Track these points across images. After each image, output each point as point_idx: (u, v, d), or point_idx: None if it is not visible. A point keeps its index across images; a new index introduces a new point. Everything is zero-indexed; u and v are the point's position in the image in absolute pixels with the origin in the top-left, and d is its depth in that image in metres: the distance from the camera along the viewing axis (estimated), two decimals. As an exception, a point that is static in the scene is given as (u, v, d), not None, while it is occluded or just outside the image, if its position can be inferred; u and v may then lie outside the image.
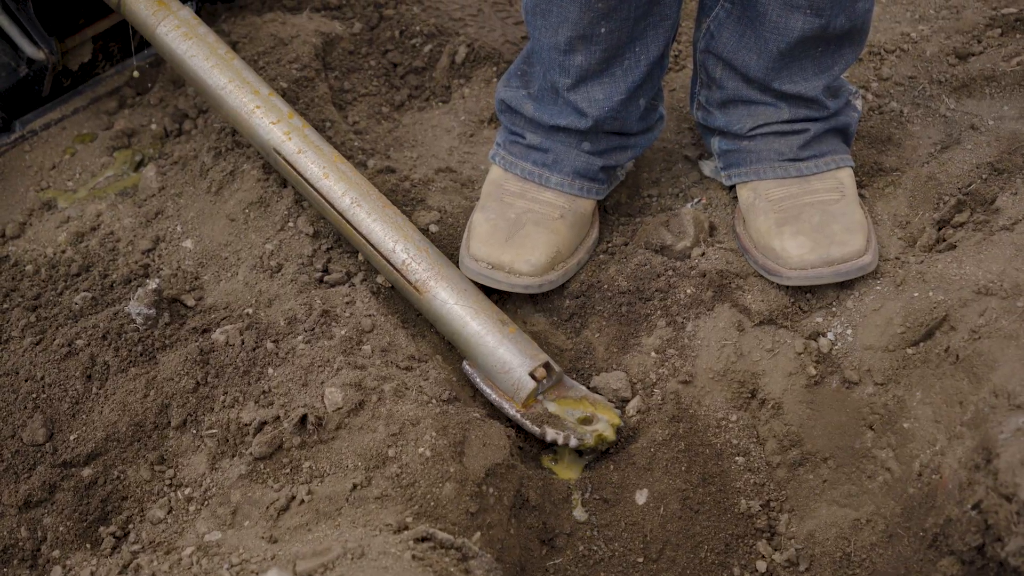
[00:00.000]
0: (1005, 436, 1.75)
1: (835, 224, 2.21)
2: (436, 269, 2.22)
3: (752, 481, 2.20)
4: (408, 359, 2.15)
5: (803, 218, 2.24)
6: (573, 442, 2.14)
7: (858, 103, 2.41)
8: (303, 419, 1.98)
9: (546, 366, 2.17)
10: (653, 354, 2.28)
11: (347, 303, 2.19)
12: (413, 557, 1.71)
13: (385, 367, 2.10)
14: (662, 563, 2.11)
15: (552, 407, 2.19)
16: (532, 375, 2.15)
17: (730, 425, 2.23)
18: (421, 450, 1.97)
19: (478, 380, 2.22)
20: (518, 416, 2.18)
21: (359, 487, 1.92)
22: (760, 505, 2.19)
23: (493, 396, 2.20)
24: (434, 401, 2.07)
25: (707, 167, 2.52)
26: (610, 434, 2.17)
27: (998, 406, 1.84)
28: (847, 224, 2.21)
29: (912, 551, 1.99)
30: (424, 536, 1.80)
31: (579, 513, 2.17)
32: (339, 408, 1.99)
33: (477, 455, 2.04)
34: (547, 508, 2.15)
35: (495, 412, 2.23)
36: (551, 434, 2.15)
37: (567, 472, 2.22)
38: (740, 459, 2.21)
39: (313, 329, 2.12)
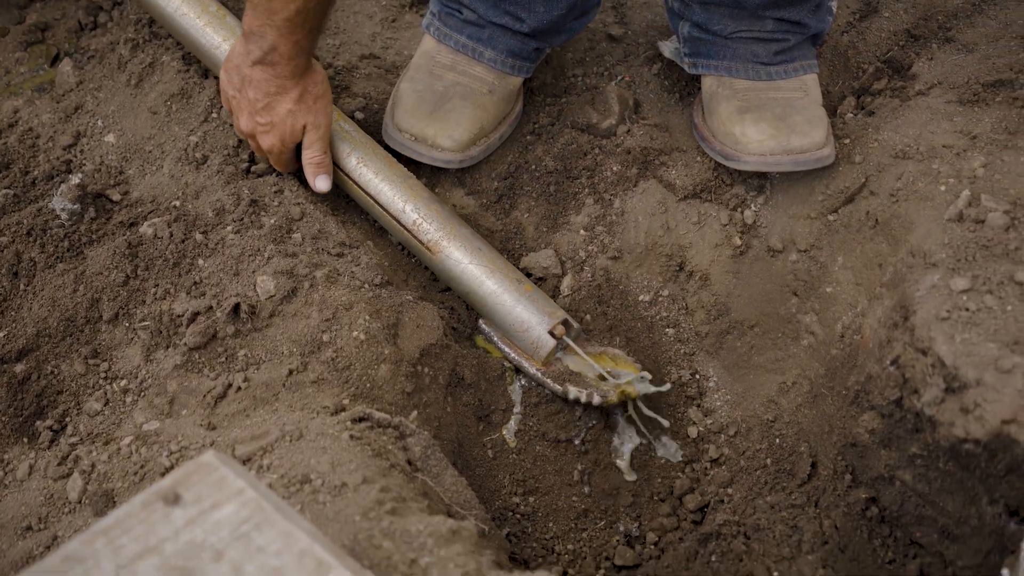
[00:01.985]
0: (921, 294, 1.79)
1: (797, 115, 2.21)
2: (448, 228, 2.18)
3: (682, 351, 2.24)
4: (339, 245, 2.14)
5: (765, 107, 2.23)
6: (596, 400, 2.10)
7: (833, 5, 2.39)
8: (236, 308, 1.97)
9: (564, 323, 2.14)
10: (582, 232, 2.30)
11: (275, 192, 2.17)
12: (351, 437, 1.72)
13: (316, 254, 2.09)
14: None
15: (572, 364, 2.17)
16: (551, 333, 2.12)
17: (660, 298, 2.26)
18: (355, 334, 1.97)
19: (496, 339, 2.19)
20: (539, 375, 2.15)
21: (295, 372, 1.93)
22: (690, 374, 2.23)
23: (512, 355, 2.17)
24: (367, 286, 2.07)
25: (667, 48, 2.47)
26: (633, 390, 2.14)
27: (915, 266, 1.88)
28: (808, 117, 2.21)
29: (836, 409, 2.04)
30: (361, 417, 1.81)
31: (514, 390, 2.20)
32: (272, 296, 1.99)
33: (411, 336, 2.05)
34: (482, 386, 2.17)
35: (427, 294, 2.24)
36: (573, 392, 2.11)
37: (500, 351, 2.24)
38: (670, 331, 2.25)
39: (242, 219, 2.11)
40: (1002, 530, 1.70)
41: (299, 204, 2.16)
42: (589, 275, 2.25)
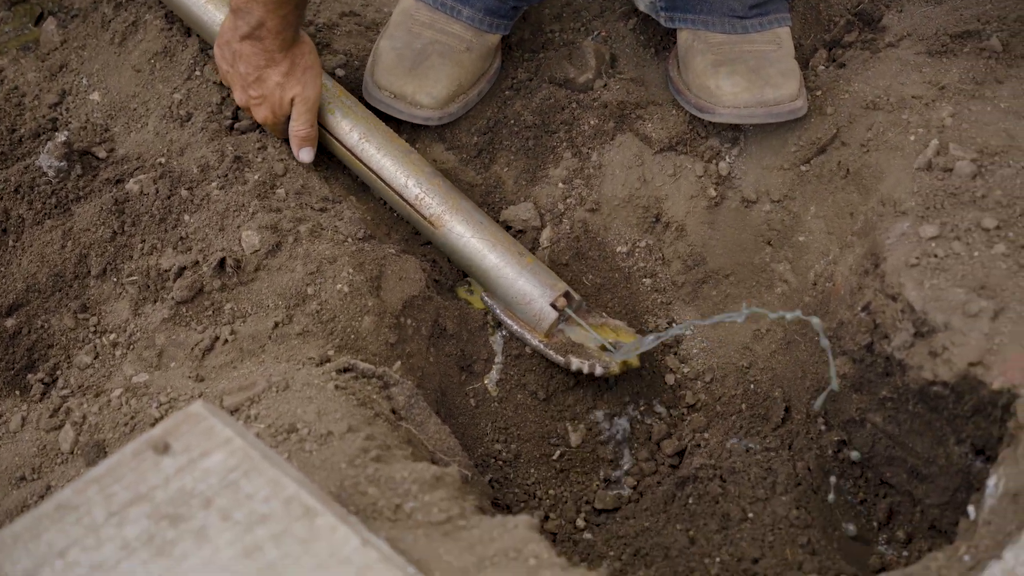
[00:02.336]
0: (891, 241, 1.81)
1: (770, 68, 2.21)
2: (450, 203, 2.17)
3: (659, 300, 2.26)
4: (322, 200, 2.15)
5: (739, 60, 2.23)
6: (599, 371, 2.09)
7: None
8: (222, 262, 1.98)
9: (566, 295, 2.14)
10: (560, 185, 2.31)
11: (259, 148, 2.17)
12: (336, 387, 1.74)
13: (300, 209, 2.10)
14: (576, 382, 2.19)
15: (574, 335, 2.16)
16: (553, 305, 2.12)
17: (637, 249, 2.27)
18: (339, 286, 1.98)
19: (499, 311, 2.18)
20: (541, 346, 2.13)
21: (281, 325, 1.94)
22: (667, 323, 2.25)
23: (515, 327, 2.16)
24: (350, 239, 2.08)
25: (642, 3, 2.47)
26: (635, 360, 2.14)
27: (885, 214, 1.90)
28: (782, 69, 2.21)
29: (808, 355, 2.07)
30: (346, 367, 1.83)
31: (495, 341, 2.22)
32: (256, 250, 2.00)
33: (394, 289, 2.06)
34: (464, 336, 2.19)
35: (409, 247, 2.25)
36: (576, 363, 2.10)
37: (482, 302, 2.25)
38: (647, 280, 2.26)
39: (226, 175, 2.11)
40: (968, 469, 1.73)
41: (282, 160, 2.16)
42: (568, 227, 2.26)
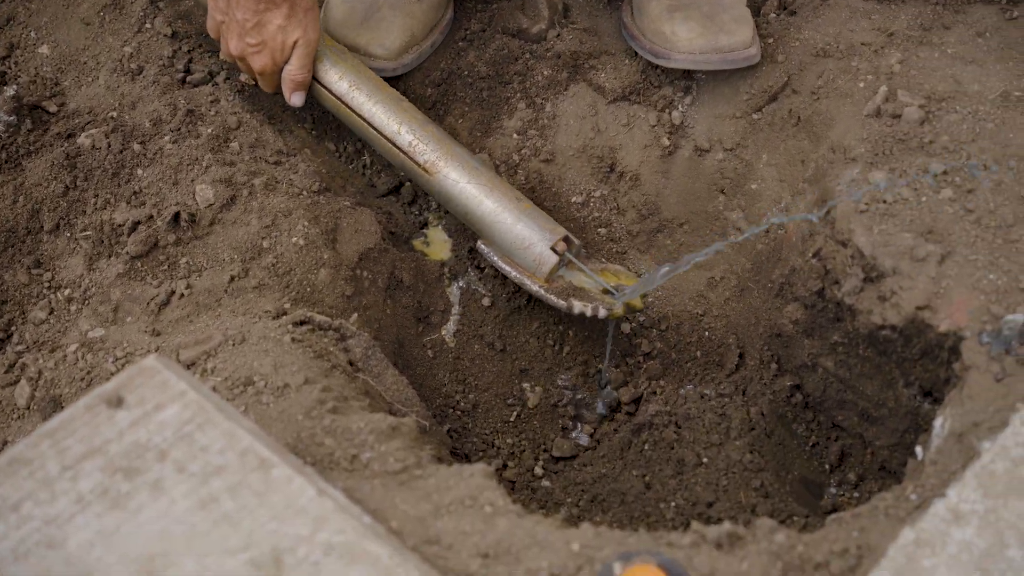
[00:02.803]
0: (841, 187, 1.81)
1: (724, 15, 2.18)
2: (444, 148, 2.12)
3: (615, 250, 2.26)
4: (276, 154, 2.12)
5: (694, 6, 2.20)
6: (602, 312, 2.04)
7: None
8: (176, 217, 1.95)
9: (566, 239, 2.09)
10: (515, 136, 2.29)
11: (211, 102, 2.14)
12: (293, 340, 1.73)
13: (254, 162, 2.07)
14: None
15: (574, 280, 2.12)
16: (553, 249, 2.07)
17: (592, 199, 2.26)
18: (295, 239, 1.97)
19: (495, 258, 2.12)
20: (541, 291, 2.08)
21: (237, 278, 1.92)
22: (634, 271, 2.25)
23: (513, 273, 2.10)
24: (305, 192, 2.06)
25: None
26: (638, 302, 2.11)
27: (835, 161, 1.90)
28: (736, 16, 2.19)
29: (762, 301, 2.07)
30: (302, 320, 1.82)
31: (452, 292, 2.21)
32: (211, 204, 1.97)
33: (349, 241, 2.05)
34: (421, 288, 2.18)
35: (365, 200, 2.23)
36: (578, 306, 2.05)
37: (438, 253, 2.24)
38: (602, 230, 2.26)
39: (179, 129, 2.08)
40: (917, 410, 1.74)
41: (236, 113, 2.13)
42: (523, 178, 2.25)
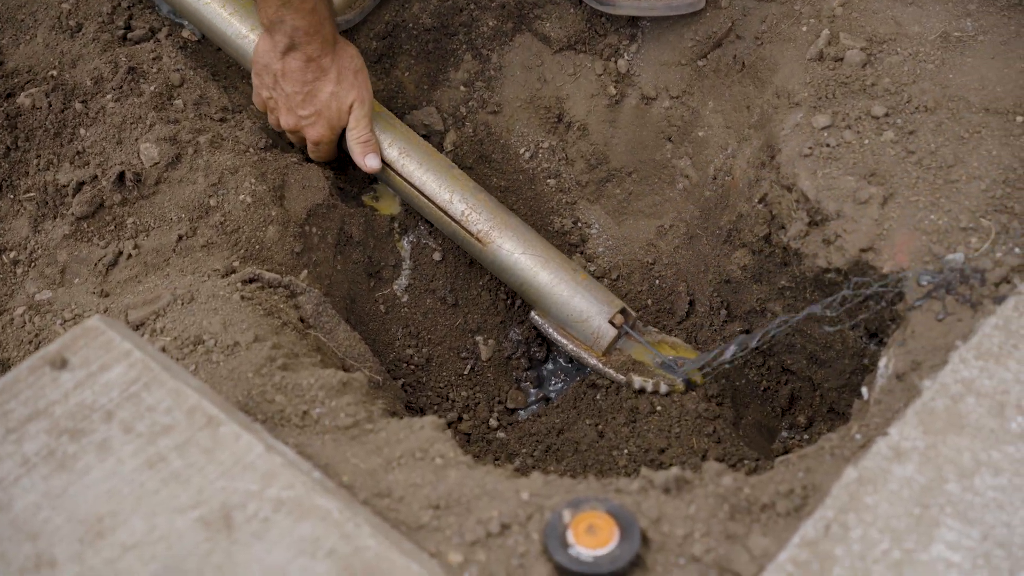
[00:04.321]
0: (785, 132, 1.82)
1: None
2: (497, 218, 2.04)
3: (564, 200, 2.26)
4: (222, 111, 2.10)
5: None
6: (664, 388, 1.97)
7: None
8: (121, 176, 1.93)
9: (623, 312, 2.02)
10: (462, 88, 2.28)
11: (154, 59, 2.11)
12: (242, 298, 1.72)
13: (199, 120, 2.05)
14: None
15: (633, 352, 2.04)
16: (611, 323, 2.00)
17: (540, 150, 2.26)
18: (242, 197, 1.95)
19: (551, 330, 2.05)
20: (600, 366, 2.01)
21: (185, 238, 1.90)
22: (572, 222, 2.25)
23: (570, 347, 2.03)
24: (251, 150, 2.04)
25: None
26: (698, 376, 2.01)
27: (779, 106, 1.90)
28: None
29: (710, 248, 2.08)
30: (251, 278, 1.80)
31: (403, 247, 2.20)
32: (156, 163, 1.95)
33: (297, 198, 2.03)
34: (371, 243, 2.17)
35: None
36: (639, 382, 1.98)
37: (388, 208, 2.23)
38: (552, 181, 2.25)
39: (121, 87, 2.05)
40: (863, 352, 1.76)
41: (179, 71, 2.10)
42: (471, 130, 2.24)
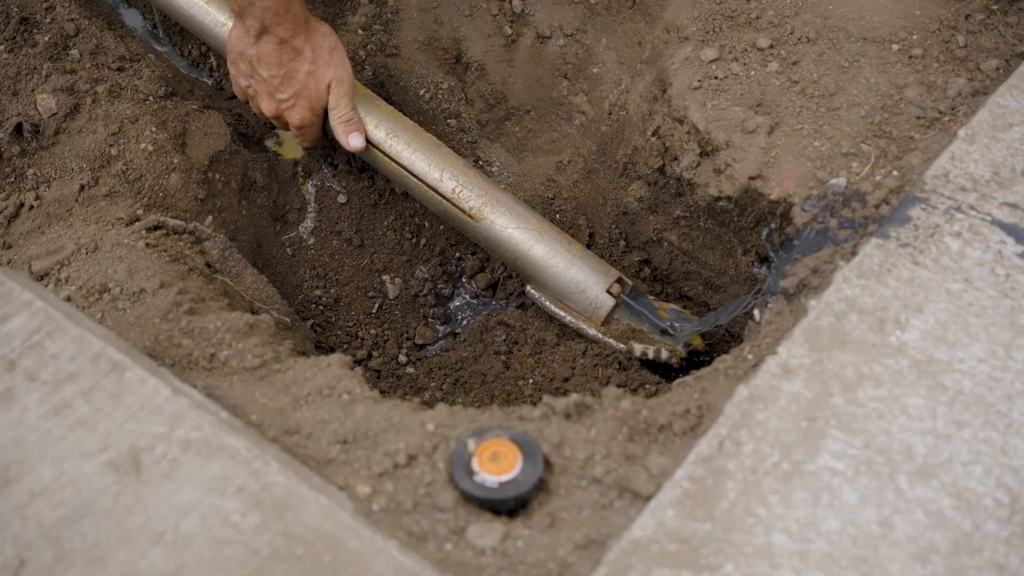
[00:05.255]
0: (676, 66, 1.82)
1: None
2: (489, 194, 1.97)
3: (465, 140, 2.24)
4: (119, 60, 2.04)
5: None
6: (664, 355, 1.91)
7: None
8: (18, 128, 1.87)
9: (619, 281, 1.96)
10: (360, 32, 2.24)
11: (46, 8, 2.04)
12: (147, 245, 1.69)
13: (96, 69, 1.99)
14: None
15: (631, 321, 1.98)
16: (609, 292, 1.94)
17: (440, 91, 2.23)
18: (143, 145, 1.91)
19: (548, 303, 1.99)
20: (600, 336, 1.95)
21: (87, 187, 1.86)
22: (474, 161, 2.24)
23: (568, 318, 1.97)
24: (151, 98, 2.00)
25: None
26: (699, 342, 1.96)
27: (669, 41, 1.90)
28: None
29: (608, 182, 2.09)
30: (156, 225, 1.77)
31: (307, 190, 2.18)
32: (54, 114, 1.90)
33: (199, 145, 2.00)
34: (275, 188, 2.14)
35: (214, 102, 2.17)
36: (639, 349, 1.91)
37: (291, 152, 2.20)
38: (452, 121, 2.23)
39: (14, 38, 1.98)
40: (754, 276, 1.78)
41: (73, 20, 2.04)
42: (371, 73, 2.21)
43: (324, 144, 2.14)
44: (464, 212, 1.97)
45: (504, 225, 1.97)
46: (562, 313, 1.98)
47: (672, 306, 2.00)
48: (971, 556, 1.08)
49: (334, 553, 1.08)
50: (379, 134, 1.98)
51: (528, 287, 2.01)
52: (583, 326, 1.96)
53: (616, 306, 1.95)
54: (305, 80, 1.89)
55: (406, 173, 1.99)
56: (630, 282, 1.98)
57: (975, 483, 1.13)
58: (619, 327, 1.98)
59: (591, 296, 1.95)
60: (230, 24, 2.01)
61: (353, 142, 1.96)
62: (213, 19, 2.05)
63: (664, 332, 1.96)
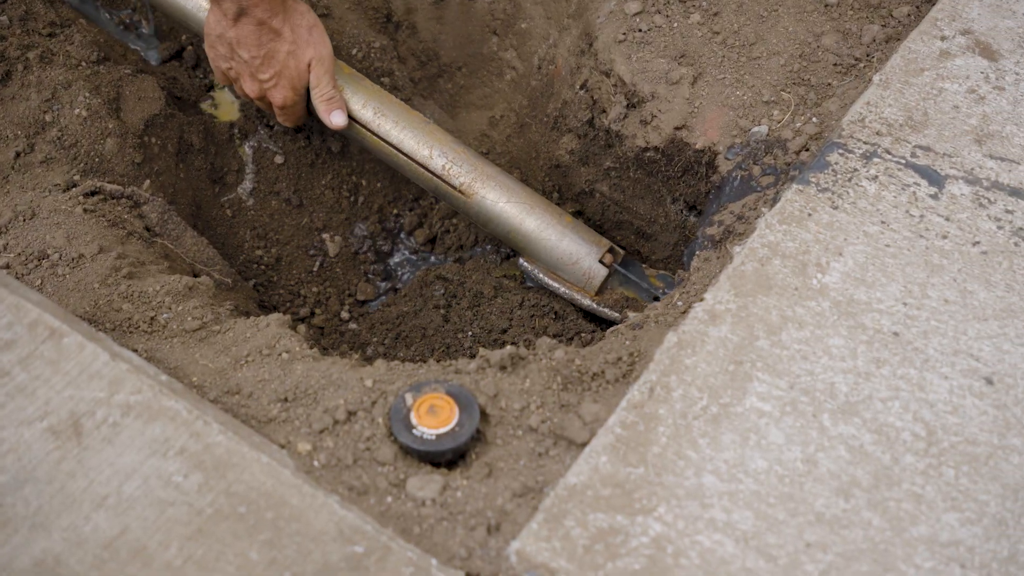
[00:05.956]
0: (601, 20, 1.81)
1: None
2: (479, 169, 1.92)
3: (400, 98, 2.22)
4: (50, 25, 1.99)
5: None
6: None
7: None
8: (-51, 97, 1.83)
9: (611, 250, 1.92)
10: (291, -8, 2.20)
11: (-27, -24, 1.99)
12: (85, 211, 1.66)
13: (26, 36, 1.94)
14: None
15: (624, 290, 1.95)
16: (602, 262, 1.90)
17: (372, 51, 2.21)
18: (77, 111, 1.87)
19: (541, 275, 1.95)
20: (594, 306, 1.91)
21: (22, 154, 1.82)
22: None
23: (562, 290, 1.93)
24: (83, 63, 1.95)
25: None
26: None
27: (595, -5, 1.89)
28: None
29: (540, 136, 2.08)
30: (93, 190, 1.74)
31: (244, 152, 2.14)
32: (-15, 81, 1.85)
33: (134, 109, 1.96)
34: (212, 150, 2.10)
35: (146, 67, 2.12)
36: (634, 317, 1.90)
37: (227, 115, 2.16)
38: (386, 80, 2.21)
39: (-59, 7, 1.93)
40: (684, 224, 1.79)
41: (0, -14, 1.99)
42: (303, 33, 2.18)
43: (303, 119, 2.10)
44: (455, 188, 1.93)
45: (495, 200, 1.93)
46: (556, 284, 1.95)
47: (661, 272, 1.98)
48: (891, 488, 1.09)
49: (276, 510, 1.08)
50: (367, 113, 1.94)
51: (521, 259, 1.98)
52: (577, 297, 1.94)
53: (609, 276, 1.93)
54: (285, 60, 1.84)
55: (395, 151, 1.95)
56: (621, 251, 1.96)
57: (894, 418, 1.15)
58: (612, 296, 1.95)
59: (584, 267, 1.92)
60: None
61: (335, 120, 1.91)
62: (195, 3, 1.99)
63: (656, 299, 1.92)
